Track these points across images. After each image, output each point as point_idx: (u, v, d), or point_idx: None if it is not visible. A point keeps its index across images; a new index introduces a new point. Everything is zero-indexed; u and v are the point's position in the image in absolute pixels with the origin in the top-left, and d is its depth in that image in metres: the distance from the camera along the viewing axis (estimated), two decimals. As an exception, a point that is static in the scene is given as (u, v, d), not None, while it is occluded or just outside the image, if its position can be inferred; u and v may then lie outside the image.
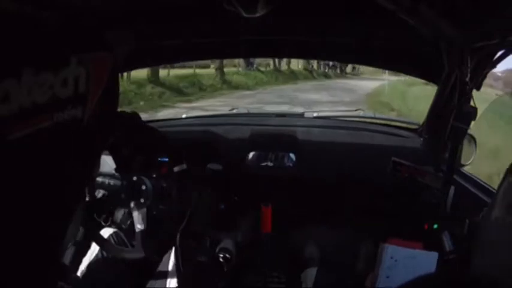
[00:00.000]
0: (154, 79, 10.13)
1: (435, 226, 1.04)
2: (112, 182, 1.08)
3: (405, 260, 0.78)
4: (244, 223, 1.43)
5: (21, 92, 0.28)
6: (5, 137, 0.27)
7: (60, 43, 0.32)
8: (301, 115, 1.72)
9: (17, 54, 0.28)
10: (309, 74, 19.41)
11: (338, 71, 22.82)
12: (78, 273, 1.08)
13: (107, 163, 1.09)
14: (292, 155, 1.42)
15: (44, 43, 0.31)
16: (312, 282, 1.13)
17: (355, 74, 24.94)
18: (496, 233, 0.45)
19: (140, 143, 1.08)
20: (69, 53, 0.32)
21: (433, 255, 0.79)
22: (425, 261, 0.78)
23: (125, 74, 8.13)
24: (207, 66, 13.71)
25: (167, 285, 1.09)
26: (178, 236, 1.06)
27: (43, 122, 0.31)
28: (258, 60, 15.63)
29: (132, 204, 1.03)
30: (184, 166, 0.98)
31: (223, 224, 1.37)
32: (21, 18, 0.29)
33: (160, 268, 1.13)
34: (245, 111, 1.76)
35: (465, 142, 1.16)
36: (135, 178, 1.02)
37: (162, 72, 10.94)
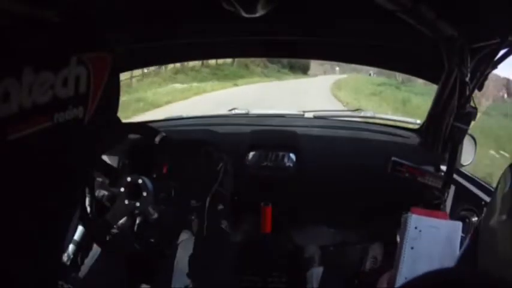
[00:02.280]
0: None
1: None
2: (114, 176, 1.07)
3: (429, 229, 0.75)
4: (245, 223, 1.43)
5: (22, 92, 0.28)
6: (5, 137, 0.27)
7: (60, 43, 0.32)
8: (301, 115, 1.72)
9: (17, 54, 0.28)
10: None
11: None
12: (79, 273, 1.08)
13: (107, 163, 1.09)
14: (292, 155, 1.42)
15: (44, 43, 0.30)
16: (317, 282, 1.13)
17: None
18: (499, 235, 0.44)
19: (140, 143, 1.08)
20: (70, 52, 0.32)
21: (457, 225, 0.76)
22: (450, 231, 0.75)
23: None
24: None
25: (167, 285, 1.09)
26: (178, 236, 1.06)
27: (44, 123, 0.31)
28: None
29: (132, 205, 1.03)
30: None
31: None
32: (22, 18, 0.29)
33: (161, 268, 1.13)
34: (245, 111, 1.76)
35: (465, 142, 1.16)
36: (139, 180, 1.02)
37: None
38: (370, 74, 15.96)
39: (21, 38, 0.28)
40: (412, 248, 0.75)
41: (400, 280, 0.72)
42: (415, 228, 0.75)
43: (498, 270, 0.42)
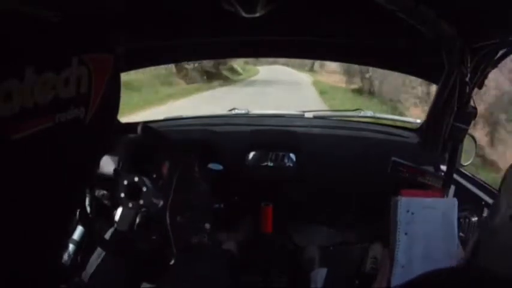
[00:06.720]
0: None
1: None
2: (112, 182, 1.08)
3: (423, 211, 0.70)
4: (245, 223, 1.43)
5: (24, 92, 0.28)
6: (8, 138, 0.27)
7: (61, 43, 0.32)
8: (301, 115, 1.72)
9: (19, 54, 0.28)
10: None
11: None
12: (78, 274, 1.07)
13: (107, 163, 1.09)
14: (292, 155, 1.42)
15: (45, 43, 0.31)
16: (322, 283, 1.12)
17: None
18: (503, 233, 0.44)
19: (141, 144, 1.07)
20: (71, 53, 0.32)
21: (452, 202, 0.71)
22: (445, 209, 0.70)
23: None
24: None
25: (166, 285, 1.08)
26: (179, 236, 1.06)
27: (45, 123, 0.31)
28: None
29: (131, 205, 1.03)
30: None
31: (223, 225, 1.37)
32: (24, 19, 0.29)
33: (160, 268, 1.13)
34: (245, 111, 1.76)
35: (465, 142, 1.16)
36: (135, 178, 1.02)
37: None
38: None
39: (23, 39, 0.28)
40: (406, 233, 0.70)
41: (397, 270, 0.69)
42: (407, 211, 0.71)
43: (501, 268, 0.42)
